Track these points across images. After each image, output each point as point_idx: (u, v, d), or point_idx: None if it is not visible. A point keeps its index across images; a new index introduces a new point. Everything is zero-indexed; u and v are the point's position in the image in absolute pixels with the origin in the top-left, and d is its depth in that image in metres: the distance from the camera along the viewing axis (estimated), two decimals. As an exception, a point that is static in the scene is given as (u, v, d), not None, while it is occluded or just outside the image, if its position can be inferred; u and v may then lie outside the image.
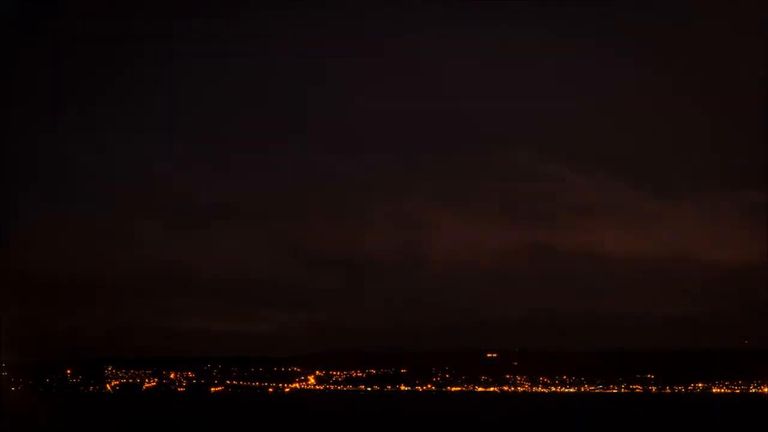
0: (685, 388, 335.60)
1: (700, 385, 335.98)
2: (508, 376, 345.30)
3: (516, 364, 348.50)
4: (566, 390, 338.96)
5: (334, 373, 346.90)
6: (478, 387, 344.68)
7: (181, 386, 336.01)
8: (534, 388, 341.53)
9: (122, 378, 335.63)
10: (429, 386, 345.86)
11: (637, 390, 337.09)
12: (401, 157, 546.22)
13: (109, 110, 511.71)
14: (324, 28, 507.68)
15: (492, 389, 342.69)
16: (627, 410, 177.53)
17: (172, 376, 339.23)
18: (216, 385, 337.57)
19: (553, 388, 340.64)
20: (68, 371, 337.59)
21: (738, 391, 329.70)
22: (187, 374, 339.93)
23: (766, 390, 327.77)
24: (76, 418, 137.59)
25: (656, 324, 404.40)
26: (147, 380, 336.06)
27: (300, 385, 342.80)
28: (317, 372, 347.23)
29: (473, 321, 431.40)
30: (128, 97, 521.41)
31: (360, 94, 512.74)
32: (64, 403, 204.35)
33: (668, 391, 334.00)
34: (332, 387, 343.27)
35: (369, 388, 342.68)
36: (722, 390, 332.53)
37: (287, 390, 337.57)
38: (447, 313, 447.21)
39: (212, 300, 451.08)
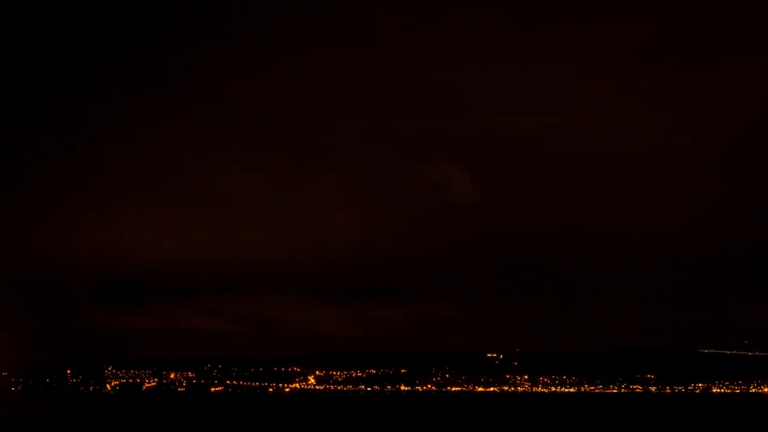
0: (685, 388, 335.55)
1: (700, 385, 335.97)
2: (508, 376, 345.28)
3: (516, 364, 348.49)
4: (566, 390, 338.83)
5: (334, 373, 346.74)
6: (478, 387, 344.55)
7: (181, 386, 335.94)
8: (534, 388, 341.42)
9: (122, 378, 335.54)
10: (429, 386, 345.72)
11: (637, 390, 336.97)
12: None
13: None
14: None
15: (492, 389, 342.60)
16: (627, 410, 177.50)
17: (172, 376, 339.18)
18: (216, 385, 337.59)
19: (553, 388, 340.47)
20: (68, 371, 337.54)
21: (738, 391, 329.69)
22: (187, 374, 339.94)
23: (766, 390, 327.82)
24: (76, 418, 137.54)
25: (657, 324, 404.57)
26: (147, 380, 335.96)
27: (300, 385, 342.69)
28: (317, 372, 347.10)
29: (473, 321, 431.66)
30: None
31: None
32: (64, 403, 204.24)
33: (668, 391, 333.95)
34: (332, 387, 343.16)
35: (369, 388, 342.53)
36: (722, 390, 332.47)
37: (287, 390, 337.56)
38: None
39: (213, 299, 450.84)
